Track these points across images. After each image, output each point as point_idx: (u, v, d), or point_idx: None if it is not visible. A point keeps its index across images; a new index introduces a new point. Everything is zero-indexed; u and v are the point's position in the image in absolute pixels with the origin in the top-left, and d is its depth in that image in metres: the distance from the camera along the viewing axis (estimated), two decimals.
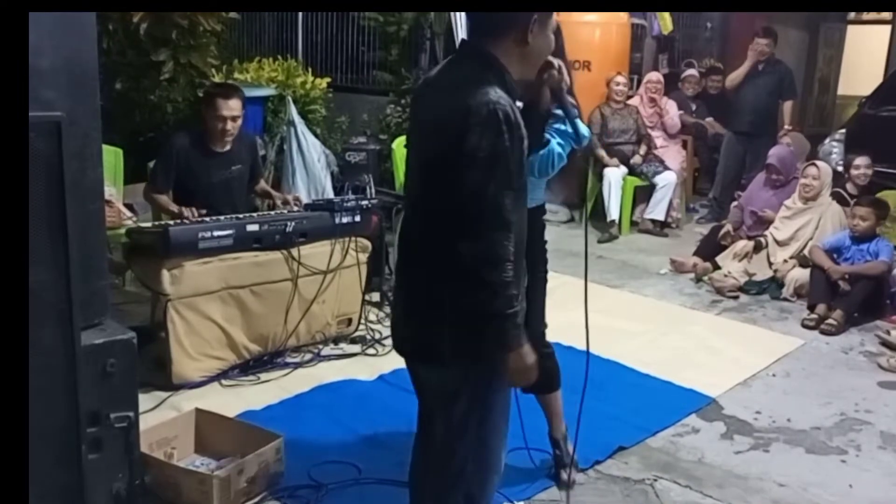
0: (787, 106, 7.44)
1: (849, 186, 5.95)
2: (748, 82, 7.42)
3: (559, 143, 3.10)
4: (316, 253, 4.20)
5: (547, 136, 2.90)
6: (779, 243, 5.80)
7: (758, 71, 7.37)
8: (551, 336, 3.15)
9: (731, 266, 5.85)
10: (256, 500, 2.97)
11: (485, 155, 1.97)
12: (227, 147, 4.44)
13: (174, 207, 4.30)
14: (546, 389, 3.16)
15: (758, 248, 5.85)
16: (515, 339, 2.06)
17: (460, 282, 2.02)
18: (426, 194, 2.16)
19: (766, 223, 6.01)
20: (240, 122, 4.43)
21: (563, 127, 3.12)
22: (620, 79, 7.13)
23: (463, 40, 2.25)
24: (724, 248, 6.05)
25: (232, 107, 4.35)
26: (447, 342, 2.11)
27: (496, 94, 2.02)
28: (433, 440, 2.30)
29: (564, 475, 3.17)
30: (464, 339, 2.09)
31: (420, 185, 2.20)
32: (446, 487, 2.29)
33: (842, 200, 5.82)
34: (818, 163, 5.98)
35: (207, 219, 4.08)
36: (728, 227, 6.20)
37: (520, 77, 2.20)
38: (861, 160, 6.02)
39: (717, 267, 5.94)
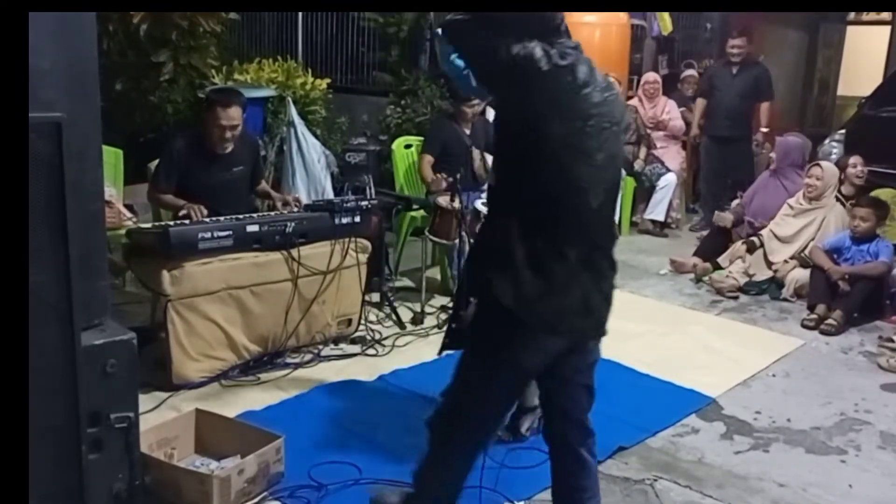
0: (763, 108, 7.31)
1: (843, 188, 5.92)
2: (722, 85, 7.35)
3: None
4: (316, 253, 4.20)
5: None
6: (779, 239, 5.80)
7: (732, 73, 7.33)
8: None
9: (731, 266, 5.86)
10: (256, 500, 2.97)
11: None
12: (229, 149, 4.43)
13: (181, 202, 4.28)
14: None
15: (751, 248, 5.85)
16: None
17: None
18: (615, 186, 2.42)
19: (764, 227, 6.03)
20: (239, 129, 4.42)
21: None
22: None
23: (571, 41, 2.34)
24: (725, 248, 6.07)
25: (231, 115, 4.32)
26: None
27: None
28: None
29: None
30: None
31: (613, 178, 2.39)
32: None
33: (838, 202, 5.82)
34: (822, 163, 5.96)
35: (207, 219, 4.08)
36: (728, 214, 6.23)
37: None
38: (855, 159, 6.01)
39: (717, 267, 5.95)
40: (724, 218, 6.26)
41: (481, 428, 2.55)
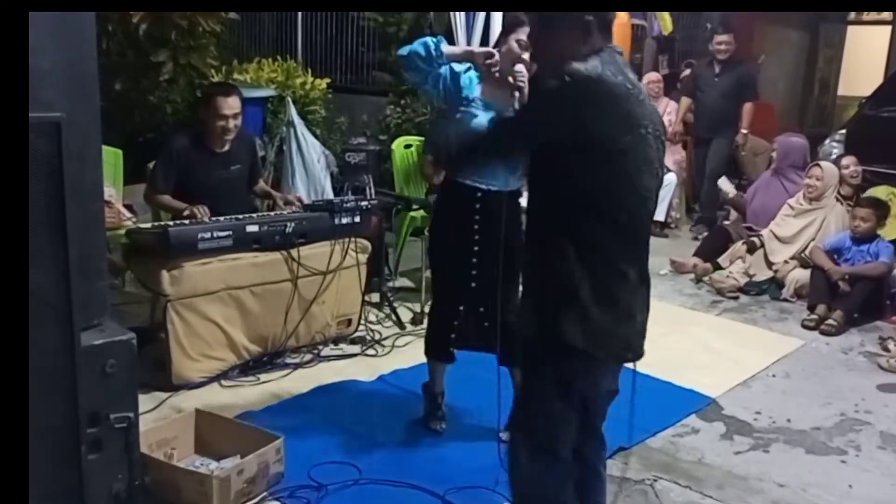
0: (746, 108, 7.24)
1: (842, 188, 5.90)
2: (705, 85, 7.32)
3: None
4: (315, 254, 4.20)
5: None
6: (780, 240, 5.80)
7: (715, 73, 7.30)
8: None
9: (731, 267, 5.87)
10: (256, 500, 2.97)
11: None
12: (227, 147, 4.42)
13: (182, 205, 4.24)
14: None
15: (751, 249, 5.86)
16: None
17: None
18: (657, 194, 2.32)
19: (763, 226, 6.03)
20: (240, 119, 4.40)
21: None
22: None
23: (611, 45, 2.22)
24: (725, 248, 6.07)
25: (232, 104, 4.31)
26: None
27: None
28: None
29: None
30: None
31: (659, 187, 2.30)
32: None
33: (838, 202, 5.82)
34: (822, 163, 5.96)
35: (207, 219, 4.08)
36: (732, 187, 6.25)
37: None
38: (848, 160, 6.00)
39: (717, 267, 5.95)
40: (729, 186, 6.23)
41: (562, 462, 2.40)
